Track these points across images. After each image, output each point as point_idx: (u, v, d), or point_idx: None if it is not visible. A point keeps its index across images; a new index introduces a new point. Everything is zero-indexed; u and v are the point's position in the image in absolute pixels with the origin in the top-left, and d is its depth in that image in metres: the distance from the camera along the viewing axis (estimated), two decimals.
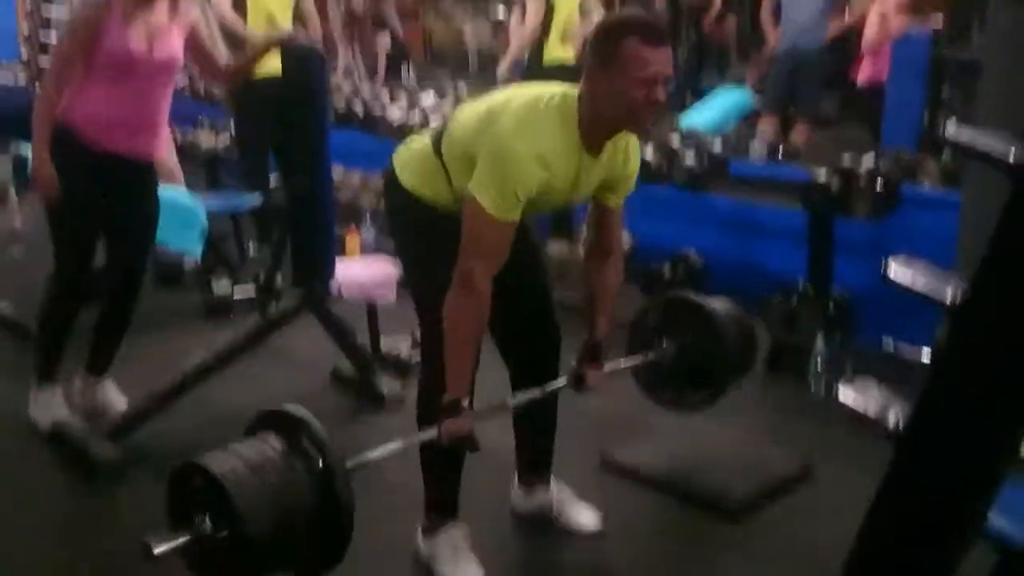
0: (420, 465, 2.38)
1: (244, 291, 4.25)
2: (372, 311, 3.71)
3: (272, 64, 3.65)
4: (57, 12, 7.26)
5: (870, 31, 5.68)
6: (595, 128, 2.13)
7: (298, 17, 4.97)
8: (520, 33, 5.77)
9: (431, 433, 2.15)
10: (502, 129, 2.08)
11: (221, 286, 4.26)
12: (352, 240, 4.84)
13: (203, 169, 5.68)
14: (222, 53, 3.16)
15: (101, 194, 2.90)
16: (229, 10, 4.79)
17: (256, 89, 4.22)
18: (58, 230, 2.93)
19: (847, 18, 6.30)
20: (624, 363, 2.70)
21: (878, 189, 3.68)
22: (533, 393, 2.41)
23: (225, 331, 3.37)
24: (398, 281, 3.41)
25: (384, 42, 7.96)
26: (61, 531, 2.61)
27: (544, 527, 2.61)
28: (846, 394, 1.48)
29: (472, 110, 2.23)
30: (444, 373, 2.14)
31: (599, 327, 2.44)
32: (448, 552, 2.36)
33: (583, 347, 2.45)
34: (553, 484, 2.63)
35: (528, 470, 2.64)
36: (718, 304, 2.79)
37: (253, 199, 4.65)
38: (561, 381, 2.45)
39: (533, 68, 5.55)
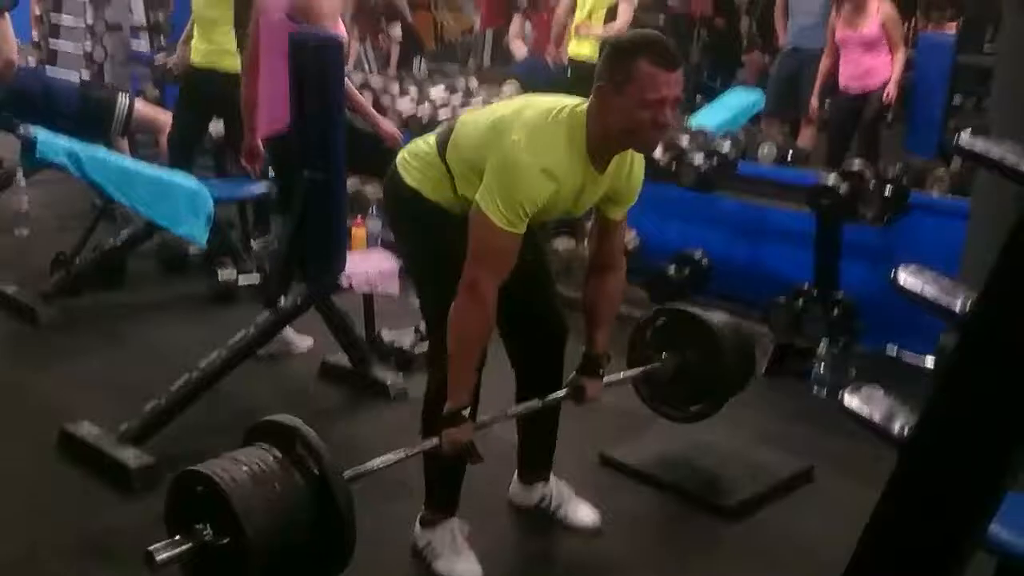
0: (421, 459, 2.38)
1: (249, 278, 4.26)
2: (369, 301, 3.71)
3: (213, 58, 3.67)
4: None
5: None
6: (601, 145, 2.13)
7: None
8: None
9: (432, 442, 2.17)
10: (510, 142, 2.08)
11: (226, 273, 4.27)
12: (359, 232, 4.84)
13: (211, 156, 5.68)
14: None
15: None
16: None
17: (196, 80, 4.20)
18: None
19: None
20: (624, 375, 2.74)
21: (887, 195, 3.67)
22: (533, 404, 2.43)
23: (230, 317, 3.37)
24: (401, 273, 3.40)
25: (396, 33, 7.94)
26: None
27: (543, 522, 2.62)
28: (851, 400, 1.48)
29: (479, 120, 2.24)
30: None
31: (598, 341, 2.44)
32: (446, 545, 2.37)
33: (582, 360, 2.46)
34: (552, 480, 2.64)
35: (528, 466, 2.65)
36: (717, 317, 2.82)
37: (260, 187, 4.65)
38: (561, 393, 2.47)
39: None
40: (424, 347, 3.61)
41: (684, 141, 4.48)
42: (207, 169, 5.31)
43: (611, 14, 5.79)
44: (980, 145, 1.34)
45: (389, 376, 3.43)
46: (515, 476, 2.68)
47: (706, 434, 3.08)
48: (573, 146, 2.11)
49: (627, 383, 2.80)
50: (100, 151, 4.09)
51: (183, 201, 3.95)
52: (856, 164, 3.79)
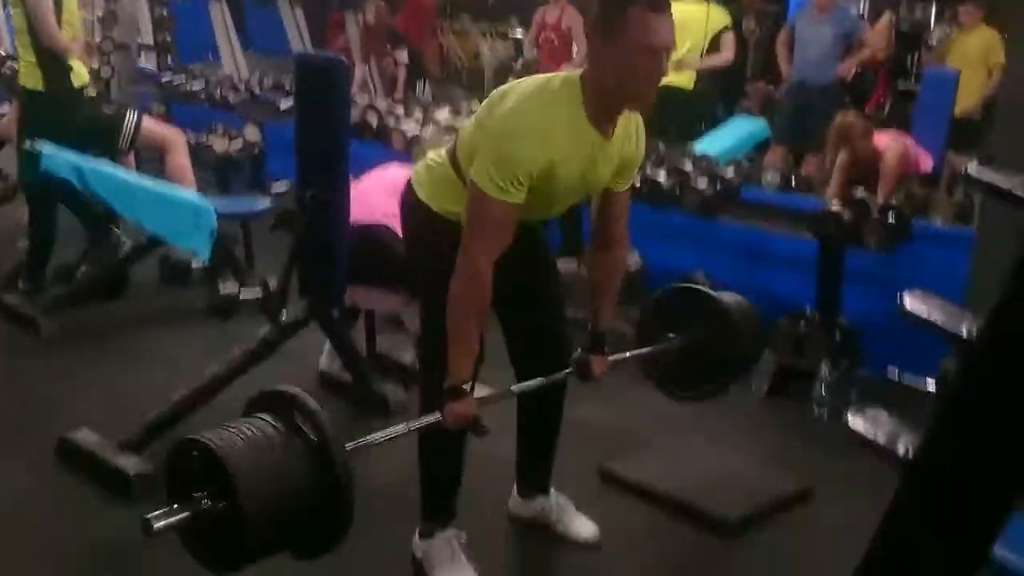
0: (419, 469, 2.38)
1: (250, 292, 4.26)
2: (370, 316, 3.71)
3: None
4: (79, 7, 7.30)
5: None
6: (600, 104, 2.09)
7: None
8: None
9: (435, 416, 2.13)
10: (503, 110, 2.07)
11: (228, 287, 4.27)
12: None
13: (214, 173, 5.72)
14: None
15: None
16: None
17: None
18: None
19: (859, 55, 6.35)
20: (631, 354, 2.66)
21: (889, 222, 3.69)
22: (539, 381, 2.37)
23: (231, 331, 3.37)
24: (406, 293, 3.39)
25: (402, 57, 7.99)
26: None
27: (541, 536, 2.61)
28: (856, 421, 1.49)
29: (477, 111, 2.23)
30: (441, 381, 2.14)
31: (603, 316, 2.43)
32: (445, 557, 2.36)
33: (588, 336, 2.44)
34: (552, 493, 2.63)
35: (528, 480, 2.64)
36: (726, 295, 2.78)
37: (263, 203, 4.67)
38: (567, 371, 2.42)
39: None
40: None
41: (688, 166, 4.51)
42: (211, 185, 5.34)
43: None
44: (988, 175, 1.37)
45: (389, 390, 3.43)
46: (514, 489, 2.67)
47: (708, 452, 3.08)
48: (570, 110, 2.08)
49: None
50: (105, 166, 4.11)
51: (187, 215, 3.96)
52: (859, 192, 3.81)
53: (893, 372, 3.84)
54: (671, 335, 2.70)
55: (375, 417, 3.33)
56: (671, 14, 2.03)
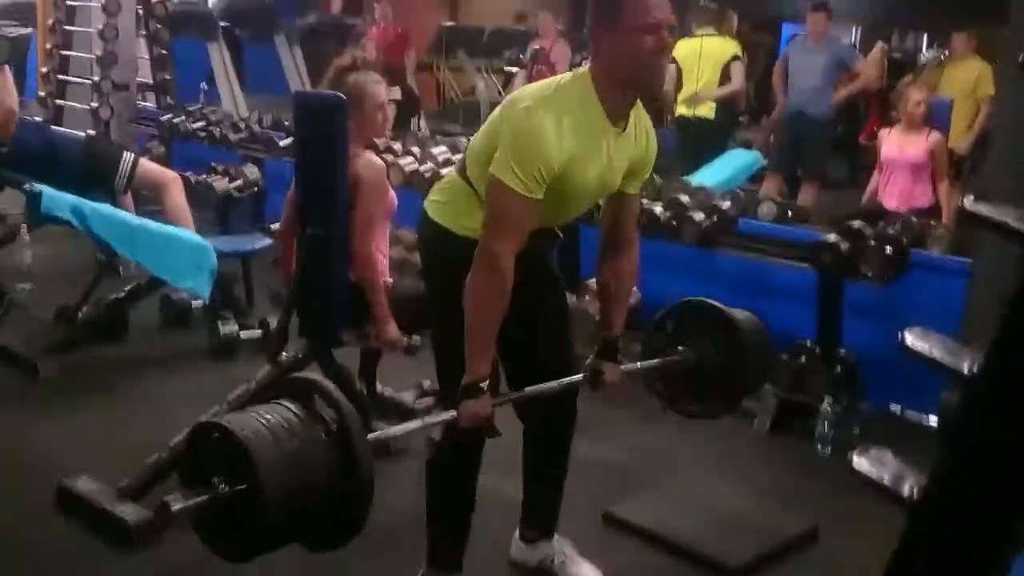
0: (427, 513, 2.36)
1: (250, 333, 4.26)
2: (371, 355, 3.70)
3: None
4: (78, 47, 7.35)
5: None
6: (612, 93, 2.11)
7: None
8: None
9: (450, 414, 2.11)
10: (521, 110, 2.07)
11: (228, 327, 4.27)
12: None
13: (215, 211, 5.73)
14: None
15: None
16: None
17: None
18: None
19: (852, 85, 6.41)
20: (641, 365, 2.64)
21: (887, 253, 3.69)
22: (551, 386, 2.32)
23: (231, 372, 3.36)
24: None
25: (393, 93, 8.05)
26: None
27: None
28: (860, 461, 1.48)
29: (484, 126, 2.24)
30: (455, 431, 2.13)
31: (615, 322, 2.41)
32: None
33: (599, 343, 2.42)
34: (556, 538, 2.61)
35: (532, 525, 2.61)
36: (738, 312, 2.77)
37: (264, 241, 4.68)
38: (578, 377, 2.39)
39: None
40: (426, 402, 3.60)
41: (684, 198, 4.52)
42: (211, 224, 5.35)
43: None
44: (984, 209, 1.37)
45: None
46: (516, 534, 2.64)
47: (711, 492, 3.06)
48: (585, 103, 2.10)
49: (644, 373, 2.68)
50: (105, 207, 4.12)
51: (187, 255, 3.98)
52: (856, 223, 3.81)
53: (895, 408, 3.83)
54: (680, 348, 2.69)
55: (376, 459, 3.31)
56: None
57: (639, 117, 2.23)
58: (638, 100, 2.19)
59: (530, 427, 2.48)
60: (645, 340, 2.79)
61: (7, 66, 4.27)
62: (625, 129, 2.17)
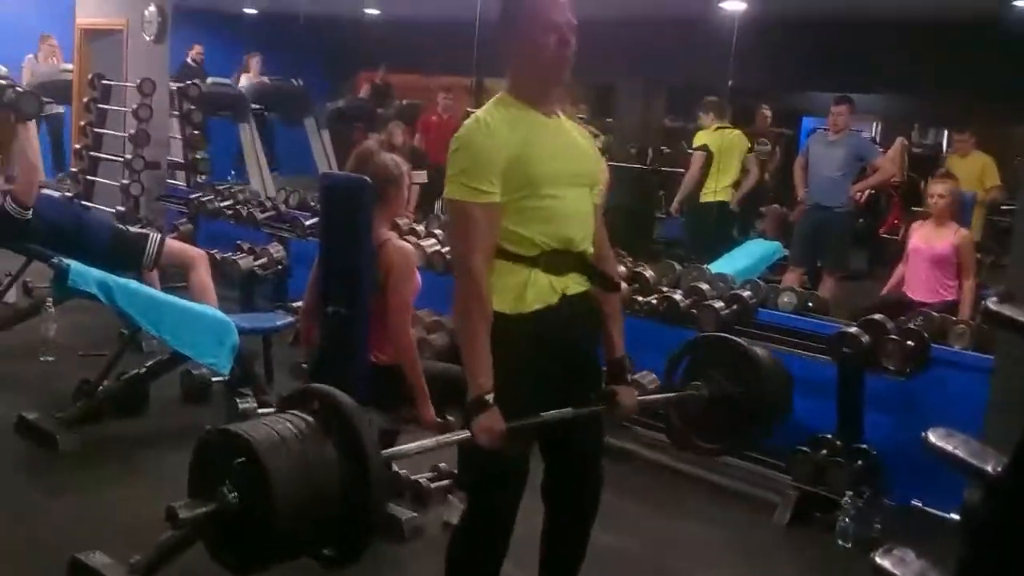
0: None
1: (268, 410, 4.26)
2: (388, 436, 3.67)
3: None
4: (111, 125, 7.52)
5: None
6: (526, 91, 2.25)
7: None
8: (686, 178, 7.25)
9: (464, 433, 2.09)
10: (456, 136, 2.22)
11: (246, 403, 4.27)
12: None
13: (238, 289, 5.79)
14: None
15: None
16: None
17: None
18: None
19: (870, 179, 6.50)
20: (658, 397, 2.62)
21: (908, 346, 3.68)
22: (566, 412, 2.26)
23: None
24: None
25: (419, 177, 8.17)
26: None
27: None
28: (883, 561, 1.46)
29: None
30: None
31: (616, 342, 2.39)
32: None
33: (606, 367, 2.41)
34: None
35: None
36: (759, 348, 2.74)
37: (285, 319, 4.72)
38: (594, 406, 2.35)
39: (692, 204, 7.15)
40: (441, 483, 3.57)
41: (704, 286, 4.54)
42: (234, 301, 5.40)
43: None
44: (1008, 311, 1.39)
45: (404, 513, 3.38)
46: None
47: None
48: (508, 106, 2.24)
49: (661, 404, 2.65)
50: (131, 283, 4.19)
51: (209, 331, 4.02)
52: (877, 316, 3.81)
53: (916, 502, 3.77)
54: (697, 382, 2.65)
55: (389, 542, 3.27)
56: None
57: (573, 125, 2.38)
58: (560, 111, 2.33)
59: (553, 511, 2.44)
60: (664, 374, 2.78)
61: (32, 122, 4.40)
62: (557, 115, 2.31)
